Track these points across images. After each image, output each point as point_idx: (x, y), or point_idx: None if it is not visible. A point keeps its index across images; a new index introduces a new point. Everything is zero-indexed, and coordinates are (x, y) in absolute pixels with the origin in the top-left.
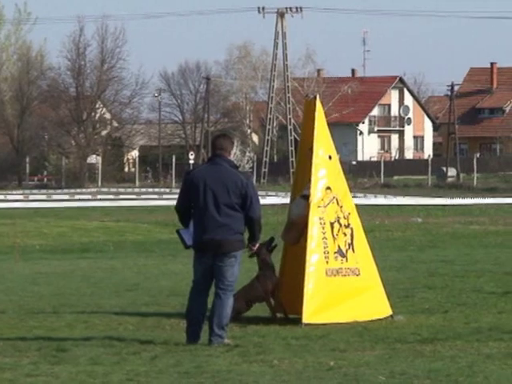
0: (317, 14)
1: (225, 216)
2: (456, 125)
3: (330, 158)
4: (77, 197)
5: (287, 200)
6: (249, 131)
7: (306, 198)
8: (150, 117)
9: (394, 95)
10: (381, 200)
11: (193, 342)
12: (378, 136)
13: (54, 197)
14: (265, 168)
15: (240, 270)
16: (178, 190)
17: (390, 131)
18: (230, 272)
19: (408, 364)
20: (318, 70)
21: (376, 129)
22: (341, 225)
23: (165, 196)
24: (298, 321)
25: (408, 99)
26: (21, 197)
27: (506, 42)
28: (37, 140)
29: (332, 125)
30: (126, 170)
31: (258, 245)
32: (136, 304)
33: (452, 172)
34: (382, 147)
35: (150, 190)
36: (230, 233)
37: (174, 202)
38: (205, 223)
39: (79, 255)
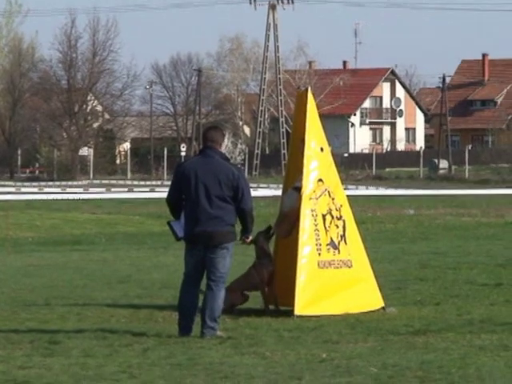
0: (308, 5)
1: (216, 208)
2: (448, 117)
3: (321, 150)
4: (68, 189)
5: (279, 192)
6: (240, 123)
7: (298, 190)
8: (142, 109)
9: (385, 87)
10: (373, 191)
11: (185, 334)
12: (370, 128)
13: (46, 189)
14: (256, 160)
15: (232, 262)
16: (169, 182)
17: (381, 123)
18: (221, 264)
19: (400, 356)
20: (310, 62)
21: (368, 121)
22: (333, 217)
23: (157, 189)
24: (290, 313)
25: (400, 91)
26: (12, 189)
27: (497, 33)
28: (28, 132)
29: (324, 117)
30: (118, 162)
31: (251, 237)
32: (128, 296)
33: (444, 164)
34: (374, 139)
35: (142, 182)
36: (221, 224)
37: (166, 194)
38: (196, 215)
39: (71, 247)
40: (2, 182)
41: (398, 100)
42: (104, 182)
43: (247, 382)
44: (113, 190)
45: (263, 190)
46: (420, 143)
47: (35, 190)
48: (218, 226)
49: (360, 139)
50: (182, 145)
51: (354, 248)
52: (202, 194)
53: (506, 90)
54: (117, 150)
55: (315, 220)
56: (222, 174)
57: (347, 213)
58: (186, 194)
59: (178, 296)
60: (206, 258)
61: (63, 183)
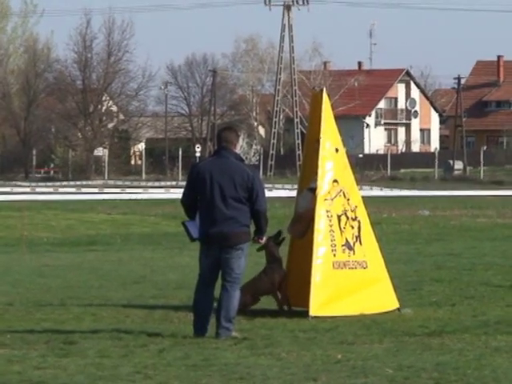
0: (323, 6)
1: (232, 209)
2: (463, 118)
3: (336, 150)
4: (83, 189)
5: (294, 193)
6: (255, 124)
7: (313, 190)
8: (157, 109)
9: (400, 88)
10: (388, 192)
11: (200, 335)
12: (385, 129)
13: (61, 189)
14: (271, 161)
15: (247, 262)
16: (184, 183)
17: (396, 124)
18: (236, 264)
19: (416, 357)
20: (325, 63)
21: (383, 122)
22: (348, 218)
23: (172, 189)
24: (305, 313)
25: (415, 92)
26: (28, 189)
27: None
28: (43, 132)
29: (339, 118)
30: (133, 162)
31: (265, 238)
32: (143, 297)
33: (459, 165)
34: (389, 140)
35: (157, 183)
36: (236, 225)
37: (180, 195)
38: (212, 216)
39: (86, 248)
40: (18, 183)
41: (413, 101)
42: (118, 182)
43: (262, 383)
44: (127, 190)
45: (278, 191)
46: (435, 144)
47: (50, 190)
48: (233, 226)
49: (375, 140)
50: (197, 145)
51: (369, 249)
52: (217, 195)
53: None
54: (132, 151)
55: (330, 221)
56: (236, 175)
57: (362, 214)
58: (200, 194)
59: (193, 297)
60: (221, 259)
61: (78, 183)
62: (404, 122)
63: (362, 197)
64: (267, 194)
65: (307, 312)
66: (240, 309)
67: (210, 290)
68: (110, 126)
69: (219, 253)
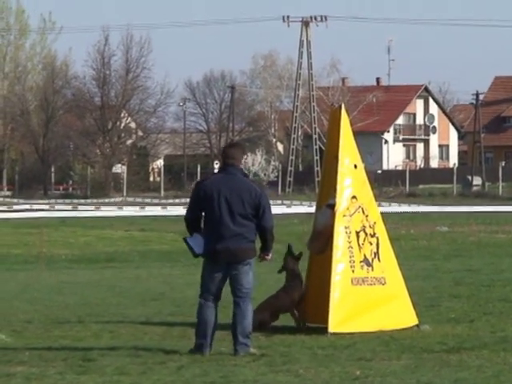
0: (341, 22)
1: (239, 225)
2: (481, 133)
3: (355, 166)
4: (102, 207)
5: (312, 209)
6: (274, 140)
7: (332, 207)
8: (175, 126)
9: (419, 104)
10: (406, 208)
11: (202, 352)
12: (403, 145)
13: (80, 206)
14: (290, 177)
15: (256, 276)
16: None
17: (415, 140)
18: (246, 280)
19: (434, 373)
20: (343, 79)
21: (401, 137)
22: (366, 234)
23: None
24: (323, 330)
25: (433, 108)
26: (46, 206)
27: None
28: (62, 149)
29: (357, 134)
30: (152, 179)
31: (270, 254)
32: (162, 314)
33: (477, 181)
34: (407, 156)
35: (177, 200)
36: (243, 241)
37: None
38: (219, 233)
39: (104, 265)
40: (36, 200)
41: (432, 117)
42: (137, 199)
43: None
44: (146, 207)
45: (296, 207)
46: (453, 160)
47: (69, 207)
48: (240, 242)
49: (393, 156)
50: (216, 162)
51: (388, 265)
52: (224, 212)
53: None
54: (150, 167)
55: (349, 237)
56: (244, 192)
57: (381, 230)
58: (208, 211)
59: (197, 314)
60: (230, 276)
61: (94, 201)
62: (422, 137)
63: (381, 213)
64: (286, 210)
65: (325, 329)
66: (257, 326)
67: (215, 307)
68: (129, 142)
69: (226, 270)
